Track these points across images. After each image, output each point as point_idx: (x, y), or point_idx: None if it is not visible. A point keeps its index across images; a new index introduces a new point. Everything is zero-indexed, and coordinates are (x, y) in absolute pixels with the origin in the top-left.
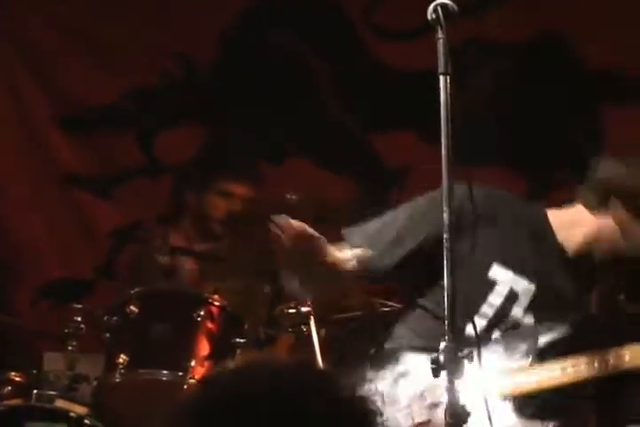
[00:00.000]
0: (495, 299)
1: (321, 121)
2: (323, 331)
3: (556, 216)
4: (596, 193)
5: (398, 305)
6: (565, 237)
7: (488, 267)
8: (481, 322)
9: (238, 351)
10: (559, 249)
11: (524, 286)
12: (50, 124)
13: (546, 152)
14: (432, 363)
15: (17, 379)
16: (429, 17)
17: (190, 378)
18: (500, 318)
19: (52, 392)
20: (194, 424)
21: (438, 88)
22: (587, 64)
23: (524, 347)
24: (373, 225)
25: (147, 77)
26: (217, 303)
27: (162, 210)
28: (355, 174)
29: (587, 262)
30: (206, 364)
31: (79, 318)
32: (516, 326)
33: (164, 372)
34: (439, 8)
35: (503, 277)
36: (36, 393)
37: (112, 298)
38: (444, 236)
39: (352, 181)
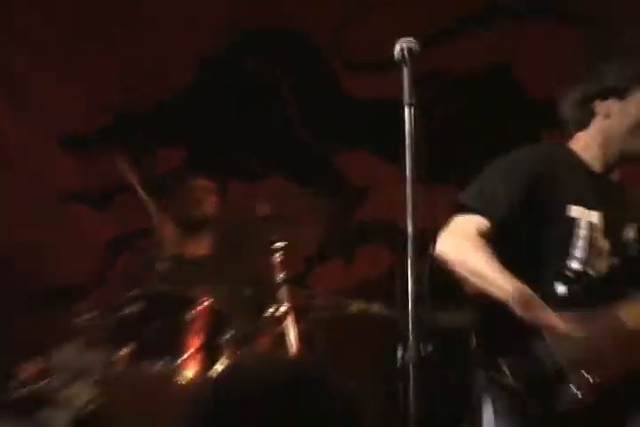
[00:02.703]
0: (581, 231)
1: (291, 143)
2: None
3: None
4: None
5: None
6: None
7: (565, 209)
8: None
9: (224, 347)
10: (590, 171)
11: (595, 215)
12: (51, 144)
13: None
14: (399, 357)
15: (26, 370)
16: (396, 55)
17: (183, 370)
18: (591, 248)
19: (58, 383)
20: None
21: (398, 115)
22: (530, 94)
23: None
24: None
25: (134, 102)
26: (206, 304)
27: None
28: (324, 189)
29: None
30: (197, 357)
31: (83, 317)
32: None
33: (160, 364)
34: (406, 47)
35: (579, 214)
36: (46, 382)
37: (105, 301)
38: (409, 245)
39: (323, 194)
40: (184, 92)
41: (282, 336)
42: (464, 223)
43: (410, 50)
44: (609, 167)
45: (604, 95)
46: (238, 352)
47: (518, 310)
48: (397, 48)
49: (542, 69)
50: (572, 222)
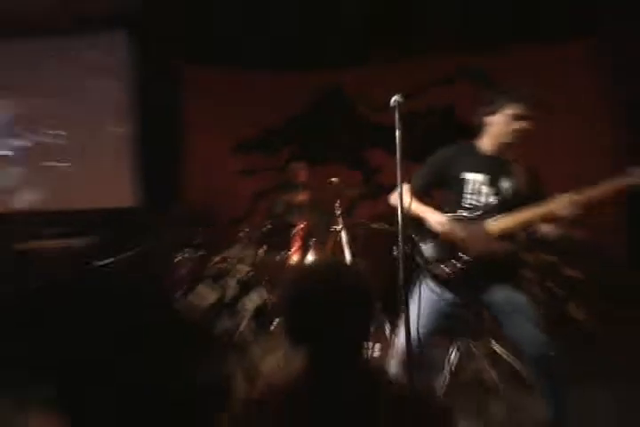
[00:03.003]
0: (469, 186)
1: (341, 146)
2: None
3: (479, 140)
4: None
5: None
6: (485, 147)
7: (462, 174)
8: (468, 196)
9: (311, 247)
10: (483, 154)
11: (480, 176)
12: (225, 148)
13: None
14: (395, 253)
15: (217, 257)
16: (392, 103)
17: (291, 258)
18: (478, 193)
19: (231, 265)
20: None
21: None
22: (461, 122)
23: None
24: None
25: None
26: (302, 225)
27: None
28: (359, 170)
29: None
30: (298, 252)
31: (243, 231)
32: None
33: (281, 255)
34: (397, 100)
35: (469, 176)
36: (226, 264)
37: (254, 224)
38: (399, 196)
39: (357, 173)
40: (293, 121)
41: (340, 242)
42: (403, 188)
43: (398, 101)
44: (498, 151)
45: (489, 113)
46: (318, 250)
47: (438, 226)
48: (392, 99)
49: (468, 109)
50: (464, 181)
